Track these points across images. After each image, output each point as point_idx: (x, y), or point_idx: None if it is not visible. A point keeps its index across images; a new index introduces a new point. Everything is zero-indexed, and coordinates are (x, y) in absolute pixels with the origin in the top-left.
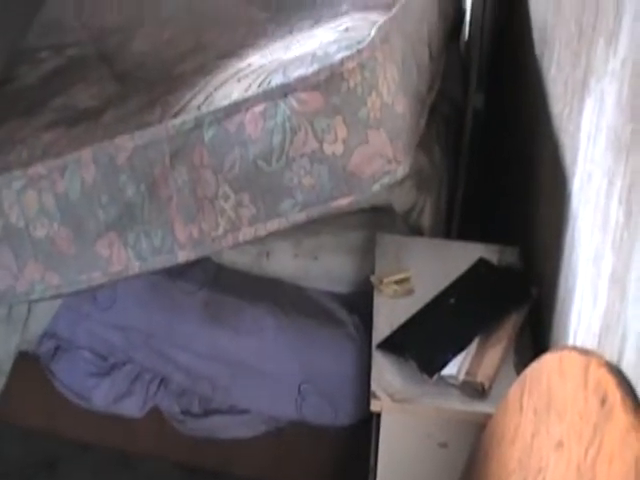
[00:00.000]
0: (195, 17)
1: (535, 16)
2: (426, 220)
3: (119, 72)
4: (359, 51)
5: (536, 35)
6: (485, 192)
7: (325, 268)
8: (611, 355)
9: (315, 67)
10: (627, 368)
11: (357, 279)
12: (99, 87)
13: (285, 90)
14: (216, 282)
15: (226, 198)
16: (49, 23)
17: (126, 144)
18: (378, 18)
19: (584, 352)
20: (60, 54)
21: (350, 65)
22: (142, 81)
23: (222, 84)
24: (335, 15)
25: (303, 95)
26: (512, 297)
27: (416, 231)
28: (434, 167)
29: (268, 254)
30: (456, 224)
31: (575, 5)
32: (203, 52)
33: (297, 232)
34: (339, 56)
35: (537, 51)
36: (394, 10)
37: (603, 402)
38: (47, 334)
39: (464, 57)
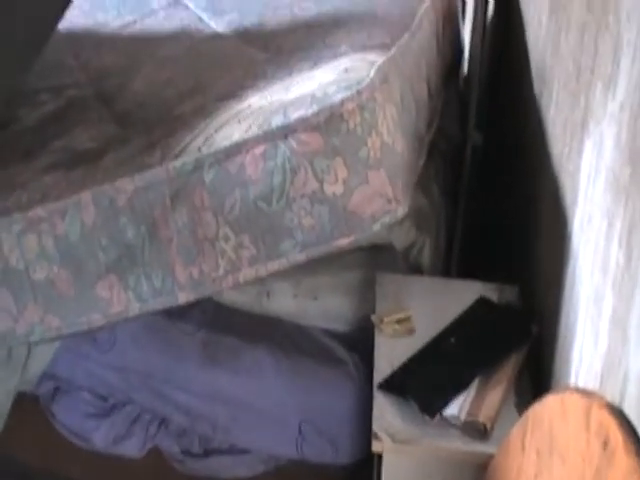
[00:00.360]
0: (194, 58)
1: (533, 54)
2: (426, 258)
3: (118, 113)
4: (358, 92)
5: (535, 73)
6: (484, 229)
7: (325, 307)
8: (613, 396)
9: (315, 108)
10: (629, 409)
11: (357, 318)
12: (98, 129)
13: (285, 131)
14: (215, 322)
15: (226, 239)
16: (48, 64)
17: (126, 186)
18: (377, 58)
19: (586, 394)
20: (59, 96)
21: (350, 106)
22: (142, 122)
23: (222, 125)
24: (334, 56)
25: (303, 136)
26: (513, 336)
27: (416, 269)
28: (433, 205)
29: (268, 294)
30: (455, 262)
31: (573, 46)
32: (202, 93)
33: (296, 272)
34: (339, 97)
35: (536, 89)
36: (393, 50)
37: (605, 445)
38: (46, 375)
39: (462, 93)
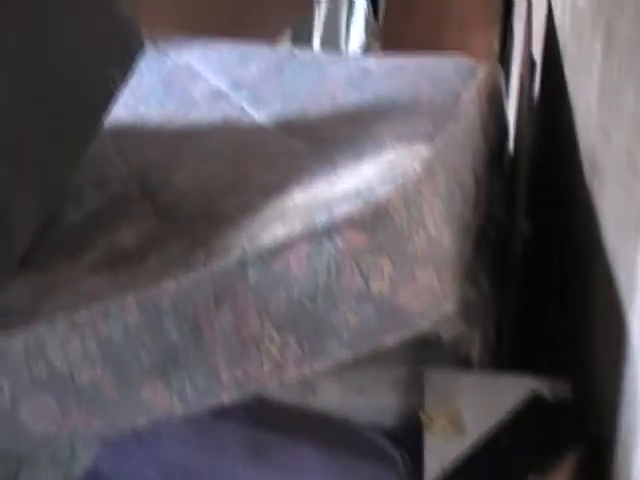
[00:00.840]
0: (237, 151)
1: (583, 140)
2: (475, 351)
3: (162, 208)
4: (404, 187)
5: (584, 160)
6: (535, 320)
7: (371, 402)
8: None
9: (359, 204)
10: None
11: (404, 412)
12: (142, 225)
13: (330, 229)
14: (260, 419)
15: (271, 339)
16: (92, 158)
17: (170, 288)
18: (421, 150)
19: None
20: (103, 190)
21: (395, 201)
22: (185, 218)
23: (266, 223)
24: (378, 148)
25: (348, 234)
26: (566, 437)
27: (465, 363)
28: (481, 297)
29: (313, 390)
30: (507, 353)
31: (626, 138)
32: (245, 188)
33: (342, 367)
34: (383, 192)
35: (586, 177)
36: (438, 141)
37: None
38: (89, 473)
39: (509, 177)
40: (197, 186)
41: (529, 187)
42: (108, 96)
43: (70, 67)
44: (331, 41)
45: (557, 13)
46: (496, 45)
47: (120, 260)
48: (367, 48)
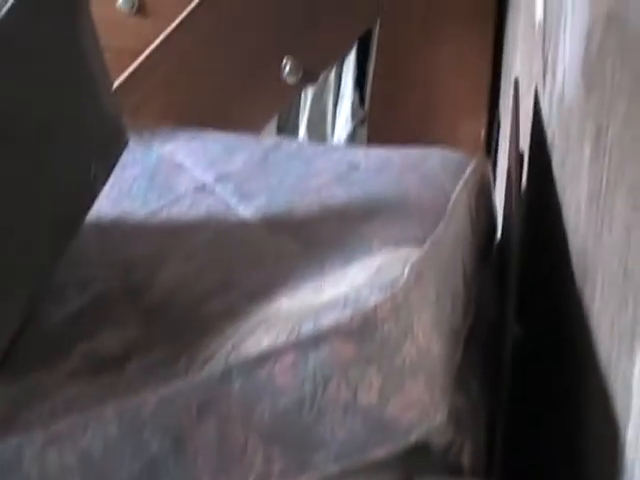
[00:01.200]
0: (222, 248)
1: (572, 240)
2: (465, 458)
3: (145, 310)
4: (393, 295)
5: (575, 260)
6: (526, 425)
7: None
8: None
9: (347, 313)
10: None
11: None
12: (124, 329)
13: (316, 339)
14: None
15: (256, 451)
16: (74, 257)
17: (151, 399)
18: (410, 255)
19: None
20: (85, 291)
21: (384, 311)
22: (168, 322)
23: (251, 331)
24: (367, 252)
25: (335, 344)
26: None
27: (455, 469)
28: (471, 402)
29: None
30: (498, 459)
31: (618, 244)
32: (230, 291)
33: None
34: (372, 301)
35: (577, 279)
36: (427, 245)
37: None
38: None
39: (497, 271)
40: (181, 287)
41: (519, 285)
42: (90, 193)
43: (51, 163)
44: (317, 127)
45: (544, 107)
46: (483, 133)
47: (101, 367)
48: (354, 135)
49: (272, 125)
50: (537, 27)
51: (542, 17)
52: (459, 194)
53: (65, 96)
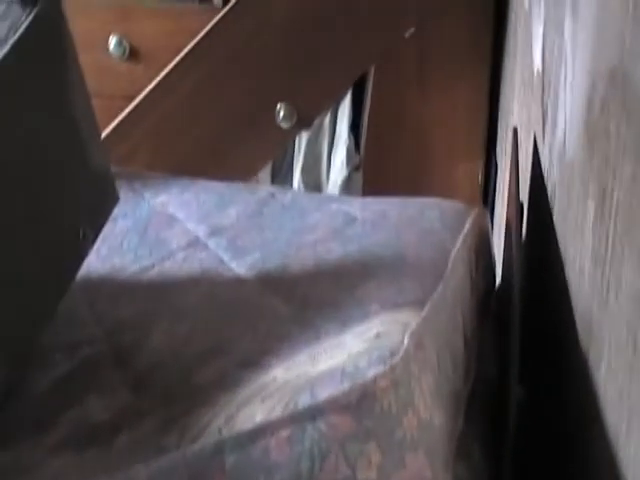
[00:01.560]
0: (214, 309)
1: (575, 298)
2: None
3: (134, 376)
4: (392, 367)
5: (578, 321)
6: None
7: None
8: None
9: (345, 386)
10: None
11: None
12: (113, 397)
13: (313, 413)
14: None
15: None
16: (62, 317)
17: (140, 473)
18: (410, 319)
19: None
20: (73, 355)
21: (383, 383)
22: (159, 390)
23: (245, 403)
24: (364, 316)
25: (333, 418)
26: None
27: None
28: (473, 470)
29: None
30: None
31: (627, 312)
32: (223, 356)
33: None
34: (371, 372)
35: (582, 341)
36: (426, 308)
37: None
38: None
39: (498, 328)
40: (172, 351)
41: (521, 344)
42: (79, 254)
43: (36, 224)
44: (312, 173)
45: (544, 158)
46: (480, 176)
47: (89, 438)
48: (349, 180)
49: (266, 170)
50: (535, 74)
51: (541, 65)
52: (459, 251)
53: (52, 155)
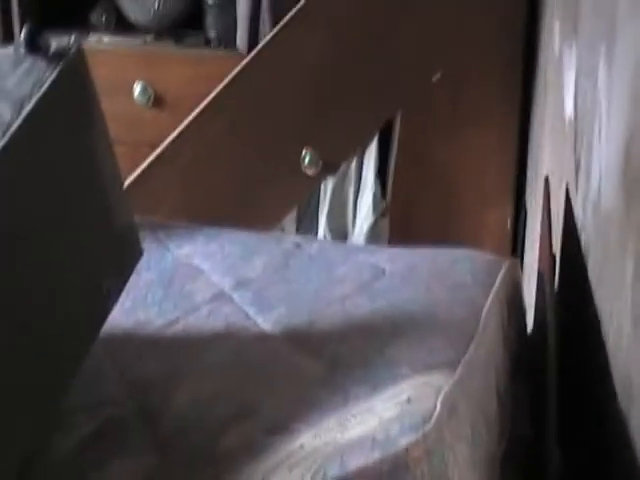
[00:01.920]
0: (240, 366)
1: (613, 358)
2: None
3: (158, 439)
4: (425, 435)
5: (618, 385)
6: None
7: None
8: None
9: (376, 455)
10: None
11: None
12: (137, 461)
13: None
14: None
15: None
16: (85, 375)
17: None
18: (442, 382)
19: None
20: (96, 416)
21: (416, 453)
22: (184, 454)
23: (271, 471)
24: (394, 378)
25: None
26: None
27: None
28: None
29: None
30: None
31: None
32: (249, 420)
33: None
34: (403, 441)
35: (621, 402)
36: (459, 370)
37: None
38: None
39: (532, 384)
40: (197, 413)
41: (557, 403)
42: (102, 311)
43: (59, 281)
44: (338, 219)
45: (577, 209)
46: (509, 223)
47: None
48: (375, 227)
49: (292, 216)
50: (567, 123)
51: (573, 113)
52: (490, 307)
53: (75, 211)
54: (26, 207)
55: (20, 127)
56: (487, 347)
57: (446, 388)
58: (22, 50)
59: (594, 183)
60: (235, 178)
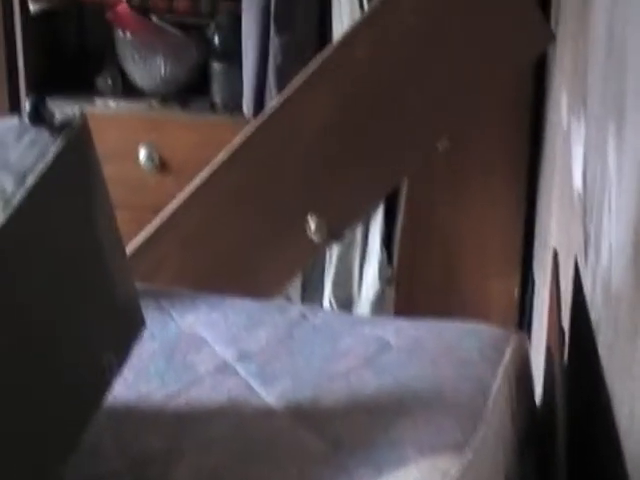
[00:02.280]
0: (242, 442)
1: (625, 439)
2: None
3: None
4: None
5: (630, 468)
6: None
7: None
8: None
9: None
10: None
11: None
12: None
13: None
14: None
15: None
16: (84, 451)
17: None
18: (449, 465)
19: None
20: None
21: None
22: None
23: None
24: (400, 460)
25: None
26: None
27: None
28: None
29: None
30: None
31: None
32: None
33: None
34: None
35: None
36: (467, 454)
37: None
38: None
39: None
40: None
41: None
42: (103, 385)
43: (60, 356)
44: (344, 287)
45: (586, 283)
46: (516, 293)
47: None
48: (381, 294)
49: (297, 283)
50: (576, 196)
51: (581, 187)
52: (499, 386)
53: (76, 284)
54: (26, 280)
55: (22, 200)
56: (495, 427)
57: (453, 472)
58: (26, 121)
59: (604, 259)
60: (240, 244)
